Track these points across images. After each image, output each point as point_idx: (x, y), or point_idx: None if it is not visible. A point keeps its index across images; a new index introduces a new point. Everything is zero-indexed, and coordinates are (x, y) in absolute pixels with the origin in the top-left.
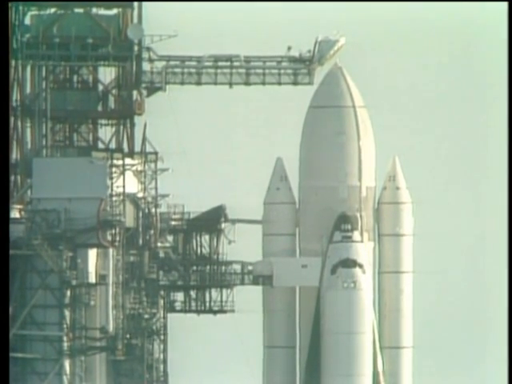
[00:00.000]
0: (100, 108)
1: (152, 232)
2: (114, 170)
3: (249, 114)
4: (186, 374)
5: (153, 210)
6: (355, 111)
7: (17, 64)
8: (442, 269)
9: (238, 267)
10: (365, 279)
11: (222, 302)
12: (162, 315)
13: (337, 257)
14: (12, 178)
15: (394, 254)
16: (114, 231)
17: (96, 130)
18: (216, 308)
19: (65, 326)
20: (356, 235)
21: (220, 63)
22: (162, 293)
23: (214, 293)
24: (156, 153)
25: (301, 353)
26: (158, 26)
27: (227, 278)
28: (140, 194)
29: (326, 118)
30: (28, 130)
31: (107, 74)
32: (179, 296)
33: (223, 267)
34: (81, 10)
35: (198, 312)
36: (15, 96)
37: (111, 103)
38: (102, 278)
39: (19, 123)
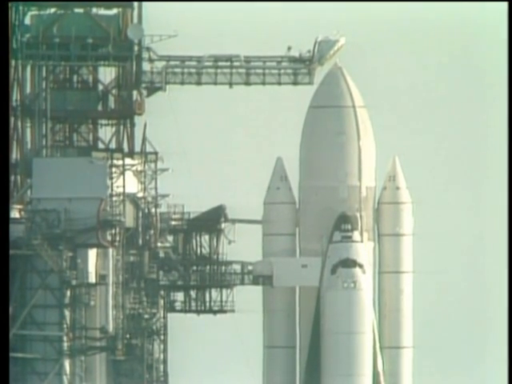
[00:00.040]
0: (100, 108)
1: (152, 232)
2: (113, 170)
3: (249, 114)
4: (186, 374)
5: (153, 210)
6: (355, 111)
7: (17, 64)
8: (442, 269)
9: (238, 267)
10: (365, 279)
11: (221, 302)
12: (161, 315)
13: (337, 257)
14: (12, 178)
15: (393, 253)
16: (113, 231)
17: (96, 130)
18: (216, 308)
19: (65, 325)
20: (356, 235)
21: (220, 63)
22: (161, 293)
23: (214, 293)
24: (156, 153)
25: (301, 353)
26: (158, 26)
27: (227, 278)
28: (140, 194)
29: (326, 118)
30: (28, 130)
31: (107, 74)
32: (179, 296)
33: (223, 267)
34: (81, 10)
35: (197, 312)
36: (15, 96)
37: (111, 103)
38: (101, 278)
39: (19, 123)
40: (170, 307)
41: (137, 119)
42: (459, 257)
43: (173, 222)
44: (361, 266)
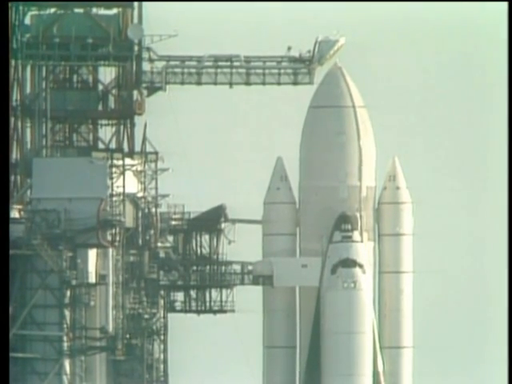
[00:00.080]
0: (100, 108)
1: (152, 232)
2: (113, 170)
3: (249, 114)
4: (186, 374)
5: (153, 209)
6: (355, 111)
7: (17, 64)
8: (442, 268)
9: (237, 267)
10: (365, 279)
11: (221, 302)
12: (161, 315)
13: (337, 257)
14: (12, 177)
15: (394, 253)
16: (113, 231)
17: (96, 130)
18: (216, 308)
19: (65, 325)
20: (356, 235)
21: (220, 63)
22: (162, 293)
23: (214, 293)
24: (156, 153)
25: (301, 353)
26: (158, 25)
27: (227, 278)
28: (140, 194)
29: (326, 117)
30: (28, 130)
31: (107, 74)
32: (179, 296)
33: (223, 267)
34: (81, 10)
35: (198, 312)
36: (15, 96)
37: (111, 103)
38: (101, 278)
39: (19, 123)
40: (170, 307)
41: (137, 119)
42: (459, 257)
43: (173, 222)
44: (361, 266)
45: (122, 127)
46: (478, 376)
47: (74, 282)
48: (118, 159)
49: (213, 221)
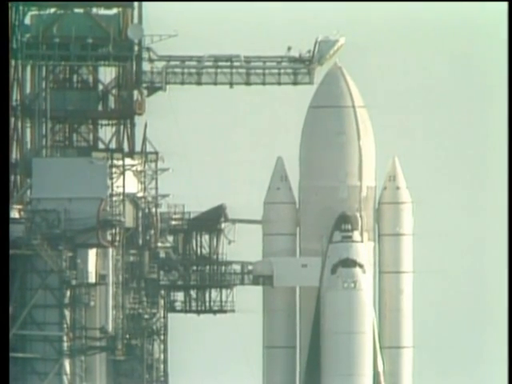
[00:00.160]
0: (100, 108)
1: (152, 232)
2: (113, 170)
3: (249, 113)
4: (186, 374)
5: (153, 209)
6: (355, 111)
7: (17, 64)
8: (442, 269)
9: (237, 267)
10: (365, 279)
11: (221, 302)
12: (162, 315)
13: (337, 257)
14: (12, 178)
15: (394, 253)
16: (113, 231)
17: (96, 130)
18: (216, 308)
19: (65, 325)
20: (356, 235)
21: (220, 63)
22: (162, 293)
23: (214, 293)
24: (156, 153)
25: (301, 353)
26: (158, 25)
27: (227, 278)
28: (140, 194)
29: (326, 118)
30: (28, 130)
31: (107, 74)
32: (179, 296)
33: (223, 267)
34: (81, 10)
35: (198, 312)
36: (15, 96)
37: (111, 103)
38: (101, 278)
39: (19, 123)
40: (170, 307)
41: (137, 119)
42: (459, 257)
43: (173, 222)
44: (361, 266)
45: (122, 127)
46: (478, 376)
47: (73, 282)
48: (118, 159)
49: (213, 221)
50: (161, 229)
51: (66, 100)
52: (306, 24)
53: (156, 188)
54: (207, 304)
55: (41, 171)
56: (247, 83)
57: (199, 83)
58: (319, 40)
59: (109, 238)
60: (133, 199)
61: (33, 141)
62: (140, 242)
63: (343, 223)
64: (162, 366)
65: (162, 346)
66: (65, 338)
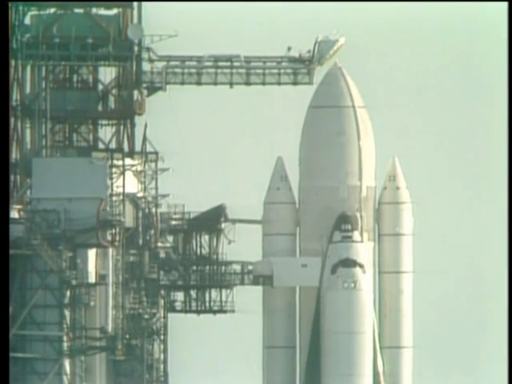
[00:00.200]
0: (100, 108)
1: (152, 232)
2: (113, 170)
3: (249, 113)
4: (186, 374)
5: (153, 209)
6: (355, 111)
7: (17, 64)
8: (442, 269)
9: (237, 267)
10: (365, 279)
11: (221, 302)
12: (162, 315)
13: (337, 257)
14: (12, 177)
15: (394, 253)
16: (113, 231)
17: (96, 130)
18: (216, 308)
19: (65, 326)
20: (356, 235)
21: (220, 63)
22: (162, 293)
23: (214, 293)
24: (156, 153)
25: (301, 353)
26: (158, 25)
27: (227, 278)
28: (140, 194)
29: (325, 117)
30: (28, 130)
31: (107, 74)
32: (179, 296)
33: (223, 267)
34: (81, 10)
35: (197, 312)
36: (15, 96)
37: (111, 103)
38: (101, 278)
39: (19, 123)
40: (170, 307)
41: (137, 119)
42: (459, 257)
43: (173, 222)
44: (361, 266)
45: (122, 127)
46: (478, 376)
47: (73, 282)
48: (118, 159)
49: (213, 221)
50: (161, 229)
51: (65, 100)
52: (306, 24)
53: (156, 188)
54: (207, 304)
55: (41, 171)
56: (247, 83)
57: (199, 83)
58: (319, 40)
59: (109, 237)
60: (133, 199)
61: (33, 141)
62: (140, 241)
63: (343, 223)
64: (161, 366)
65: (161, 346)
66: (65, 338)
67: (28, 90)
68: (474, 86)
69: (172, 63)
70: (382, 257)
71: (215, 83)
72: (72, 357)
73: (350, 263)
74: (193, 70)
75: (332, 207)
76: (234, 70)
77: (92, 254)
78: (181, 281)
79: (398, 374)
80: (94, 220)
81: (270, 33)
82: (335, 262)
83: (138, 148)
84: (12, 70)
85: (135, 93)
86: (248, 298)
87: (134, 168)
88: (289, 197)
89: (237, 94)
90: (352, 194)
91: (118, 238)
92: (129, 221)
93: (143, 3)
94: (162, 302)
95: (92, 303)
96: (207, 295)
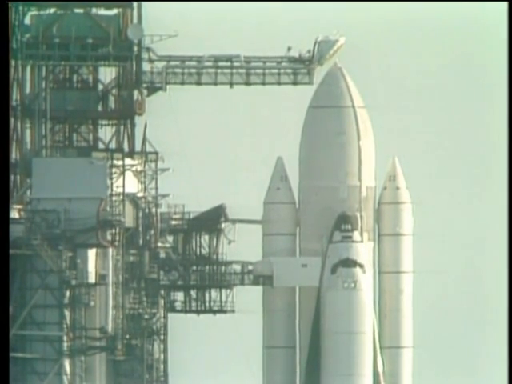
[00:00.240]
0: (100, 108)
1: (152, 232)
2: (113, 170)
3: (249, 113)
4: (186, 374)
5: (153, 209)
6: (355, 111)
7: (17, 64)
8: (442, 269)
9: (237, 267)
10: (365, 279)
11: (221, 302)
12: (162, 315)
13: (337, 257)
14: (12, 177)
15: (394, 253)
16: (113, 231)
17: (96, 130)
18: (216, 308)
19: (65, 326)
20: (356, 235)
21: (220, 63)
22: (162, 293)
23: (214, 293)
24: (156, 153)
25: (301, 353)
26: (158, 26)
27: (227, 278)
28: (140, 194)
29: (325, 117)
30: (28, 130)
31: (107, 74)
32: (179, 296)
33: (223, 267)
34: (81, 10)
35: (197, 312)
36: (15, 96)
37: (111, 103)
38: (101, 278)
39: (19, 123)
40: (170, 307)
41: (137, 119)
42: (459, 257)
43: (173, 222)
44: (361, 266)
45: (122, 127)
46: (478, 376)
47: (73, 282)
48: (118, 159)
49: (213, 221)
50: (161, 229)
51: (65, 100)
52: (306, 24)
53: (156, 188)
54: (207, 304)
55: (41, 171)
56: (247, 83)
57: (199, 83)
58: (319, 40)
59: (109, 237)
60: (133, 199)
61: (33, 141)
62: (140, 241)
63: (343, 223)
64: (162, 366)
65: (161, 346)
66: (65, 338)
67: (28, 90)
68: (474, 86)
69: (172, 63)
70: (382, 257)
71: (215, 83)
72: (72, 357)
73: (350, 263)
74: (193, 70)
75: (332, 207)
76: (234, 70)
77: (92, 254)
78: (181, 281)
79: (397, 373)
80: (94, 220)
81: (270, 33)
82: (335, 262)
83: (138, 148)
84: (12, 70)
85: (135, 93)
86: (248, 298)
87: (133, 168)
88: (289, 197)
89: (237, 94)
90: (352, 194)
91: (118, 238)
92: (129, 221)
93: (143, 3)
94: (162, 301)
95: (92, 303)
96: (207, 295)
